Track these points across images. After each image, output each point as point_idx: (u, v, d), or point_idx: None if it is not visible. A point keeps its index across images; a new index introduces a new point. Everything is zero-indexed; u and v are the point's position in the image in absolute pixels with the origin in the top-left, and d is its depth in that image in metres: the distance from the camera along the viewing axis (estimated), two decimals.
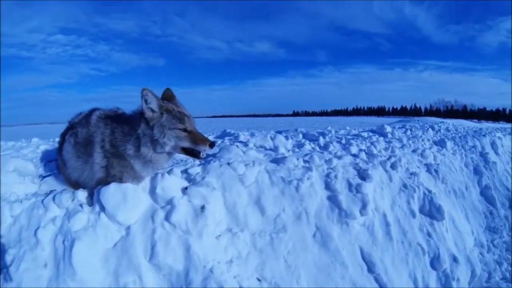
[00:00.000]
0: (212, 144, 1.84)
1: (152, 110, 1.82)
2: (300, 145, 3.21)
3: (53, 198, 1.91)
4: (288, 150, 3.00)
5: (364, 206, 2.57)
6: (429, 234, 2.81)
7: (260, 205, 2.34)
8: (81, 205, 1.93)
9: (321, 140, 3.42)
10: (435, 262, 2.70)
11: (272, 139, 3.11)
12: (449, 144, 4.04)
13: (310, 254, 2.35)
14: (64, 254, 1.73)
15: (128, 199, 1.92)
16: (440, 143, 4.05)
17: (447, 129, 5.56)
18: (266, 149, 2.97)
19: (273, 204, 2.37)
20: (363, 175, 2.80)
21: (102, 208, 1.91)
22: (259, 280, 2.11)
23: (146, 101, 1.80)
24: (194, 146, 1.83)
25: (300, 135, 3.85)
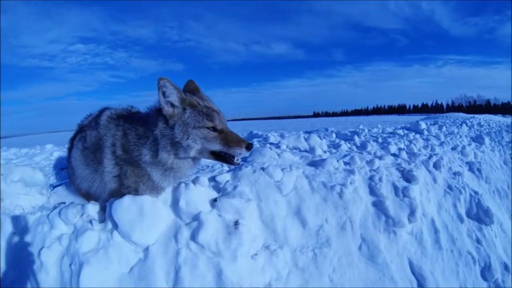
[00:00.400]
0: (249, 146, 1.46)
1: (172, 105, 1.44)
2: (336, 146, 2.85)
3: (59, 213, 1.60)
4: (325, 151, 2.65)
5: (412, 212, 2.26)
6: (478, 241, 2.53)
7: (300, 216, 1.99)
8: (90, 222, 1.61)
9: (357, 140, 3.08)
10: (486, 272, 2.43)
11: (306, 139, 2.75)
12: (487, 140, 3.75)
13: (356, 270, 2.04)
14: (71, 280, 1.43)
15: (146, 215, 1.58)
16: (478, 139, 3.75)
17: (480, 124, 5.27)
18: (301, 150, 2.61)
19: (315, 214, 2.03)
20: (407, 177, 2.47)
21: (115, 226, 1.59)
22: None
23: (163, 93, 1.41)
24: (227, 149, 1.45)
25: (334, 135, 3.49)
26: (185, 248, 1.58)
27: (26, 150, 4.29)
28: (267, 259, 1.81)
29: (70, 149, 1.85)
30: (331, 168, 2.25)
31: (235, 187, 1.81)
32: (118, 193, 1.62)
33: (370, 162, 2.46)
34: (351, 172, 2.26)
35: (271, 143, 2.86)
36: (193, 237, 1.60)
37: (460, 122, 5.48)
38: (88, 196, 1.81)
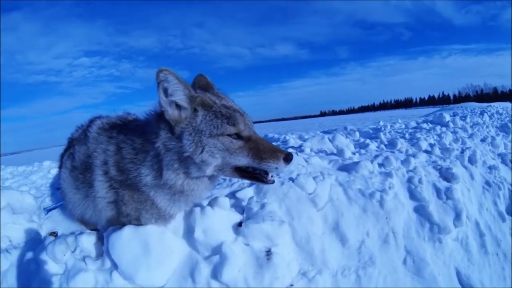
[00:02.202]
0: (288, 157, 1.08)
1: (178, 106, 1.06)
2: (363, 145, 2.54)
3: (46, 250, 1.28)
4: (353, 153, 2.32)
5: (457, 216, 1.99)
6: None
7: (339, 232, 1.68)
8: (84, 260, 1.29)
9: (383, 137, 2.77)
10: None
11: (330, 140, 2.40)
12: None
13: (403, 287, 1.77)
14: None
15: (152, 250, 1.24)
16: (504, 129, 3.53)
17: (499, 113, 5.08)
18: (327, 153, 2.27)
19: (355, 229, 1.72)
20: (446, 176, 2.19)
21: (115, 265, 1.26)
22: None
23: (165, 90, 1.02)
24: (258, 164, 1.07)
25: (357, 133, 3.17)
26: None
27: (23, 168, 4.12)
28: None
29: (60, 167, 1.49)
30: (365, 172, 1.93)
31: (262, 206, 1.46)
32: (117, 222, 1.28)
33: (405, 162, 2.16)
34: (388, 175, 1.96)
35: (293, 147, 2.52)
36: (215, 274, 1.26)
37: (479, 112, 5.28)
38: (84, 223, 1.50)
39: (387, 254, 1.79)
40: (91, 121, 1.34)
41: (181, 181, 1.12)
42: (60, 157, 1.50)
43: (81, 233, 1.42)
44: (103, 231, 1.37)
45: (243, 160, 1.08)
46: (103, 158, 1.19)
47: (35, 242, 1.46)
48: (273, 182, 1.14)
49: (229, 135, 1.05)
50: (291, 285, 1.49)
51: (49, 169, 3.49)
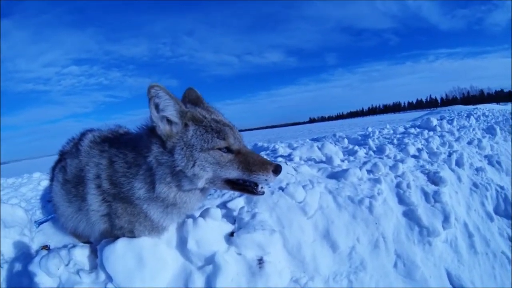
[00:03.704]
0: (277, 169, 1.13)
1: (169, 121, 1.11)
2: (352, 152, 2.60)
3: (39, 264, 1.28)
4: (342, 160, 2.39)
5: (446, 218, 2.05)
6: (510, 238, 2.38)
7: (330, 239, 1.73)
8: (78, 273, 1.31)
9: (371, 144, 2.84)
10: None
11: (319, 148, 2.46)
12: (498, 130, 3.63)
13: None
14: None
15: (146, 263, 1.28)
16: (490, 131, 3.62)
17: (485, 115, 5.19)
18: (316, 161, 2.33)
19: (346, 235, 1.77)
20: (434, 179, 2.26)
21: (109, 278, 1.28)
22: None
23: (156, 106, 1.07)
24: (248, 176, 1.11)
25: (345, 140, 3.23)
26: None
27: (12, 180, 4.07)
28: None
29: (51, 180, 1.51)
30: (354, 179, 1.99)
31: (253, 216, 1.52)
32: (110, 235, 1.31)
33: (393, 168, 2.23)
34: (377, 181, 2.02)
35: (282, 156, 2.58)
36: (209, 284, 1.30)
37: (466, 115, 5.40)
38: (77, 236, 1.52)
39: (378, 259, 1.84)
40: (83, 135, 1.38)
41: (173, 194, 1.16)
42: (51, 170, 1.53)
43: (74, 246, 1.44)
44: (96, 244, 1.39)
45: (233, 173, 1.12)
46: (96, 171, 1.22)
47: (27, 257, 1.47)
48: (263, 193, 1.19)
49: (220, 149, 1.10)
50: None
51: (39, 181, 3.46)
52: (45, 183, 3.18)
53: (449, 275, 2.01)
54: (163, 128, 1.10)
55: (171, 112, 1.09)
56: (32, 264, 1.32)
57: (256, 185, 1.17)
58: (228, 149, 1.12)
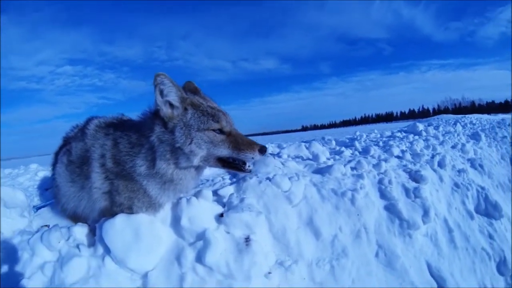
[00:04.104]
0: (263, 149, 1.32)
1: (171, 105, 1.30)
2: (338, 152, 2.78)
3: (41, 238, 1.40)
4: (328, 158, 2.56)
5: (426, 213, 2.18)
6: (490, 236, 2.49)
7: (313, 227, 1.87)
8: (78, 247, 1.43)
9: (358, 145, 3.03)
10: (501, 266, 2.38)
11: (307, 147, 2.64)
12: (483, 136, 3.80)
13: (376, 278, 1.92)
14: None
15: (142, 237, 1.42)
16: (475, 137, 3.79)
17: (472, 123, 5.38)
18: (303, 159, 2.51)
19: (328, 224, 1.92)
20: (415, 177, 2.41)
21: (107, 251, 1.41)
22: None
23: (161, 92, 1.27)
24: (237, 154, 1.30)
25: (333, 142, 3.42)
26: (191, 271, 1.41)
27: (9, 170, 4.06)
28: (282, 276, 1.67)
29: (54, 165, 1.66)
30: (338, 174, 2.15)
31: (242, 200, 1.68)
32: (110, 212, 1.44)
33: (376, 166, 2.38)
34: (360, 176, 2.18)
35: (271, 154, 2.75)
36: (199, 258, 1.44)
37: (453, 122, 5.59)
38: (76, 218, 1.62)
39: (359, 248, 1.97)
40: (89, 120, 1.55)
41: (171, 171, 1.33)
42: (54, 155, 1.68)
43: (73, 225, 1.54)
44: (93, 225, 1.50)
45: (224, 151, 1.31)
46: (101, 151, 1.39)
47: (27, 234, 1.54)
48: (250, 171, 1.37)
49: (213, 130, 1.29)
50: (269, 272, 1.67)
51: (36, 171, 3.46)
52: (42, 173, 3.21)
53: (429, 267, 2.12)
54: (166, 111, 1.29)
55: (173, 97, 1.29)
56: (33, 238, 1.42)
57: (244, 163, 1.34)
58: (221, 131, 1.31)
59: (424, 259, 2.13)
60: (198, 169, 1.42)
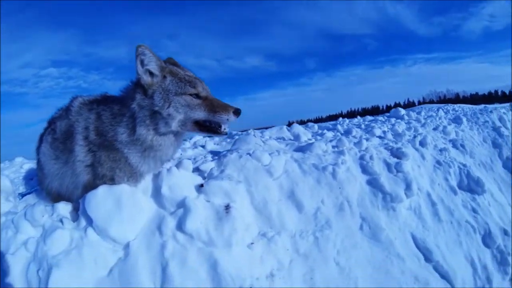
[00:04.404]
0: (237, 111, 1.38)
1: (151, 74, 1.36)
2: (320, 134, 2.84)
3: (25, 215, 1.42)
4: (310, 139, 2.60)
5: (408, 186, 2.22)
6: (474, 210, 2.52)
7: (295, 199, 1.89)
8: (61, 221, 1.44)
9: (340, 128, 3.09)
10: (487, 239, 2.40)
11: (289, 130, 2.69)
12: (465, 120, 3.92)
13: (361, 250, 1.93)
14: None
15: (124, 206, 1.43)
16: (456, 120, 3.91)
17: (455, 110, 5.55)
18: (285, 139, 2.55)
19: (310, 197, 1.94)
20: (397, 154, 2.46)
21: (90, 222, 1.42)
22: None
23: (142, 62, 1.33)
24: (213, 117, 1.36)
25: (316, 126, 3.49)
26: (172, 240, 1.41)
27: None
28: (265, 247, 1.67)
29: (38, 148, 1.67)
30: (319, 151, 2.20)
31: (222, 171, 1.70)
32: (92, 187, 1.46)
33: (358, 144, 2.44)
34: (341, 153, 2.22)
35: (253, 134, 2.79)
36: (180, 226, 1.45)
37: (436, 109, 5.75)
38: (59, 198, 1.63)
39: (343, 220, 1.98)
40: (73, 99, 1.59)
41: (150, 137, 1.38)
42: (39, 137, 1.71)
43: (57, 203, 1.55)
44: (77, 204, 1.51)
45: (201, 114, 1.37)
46: (84, 124, 1.42)
47: (12, 214, 1.55)
48: (226, 133, 1.42)
49: (190, 95, 1.36)
50: (252, 243, 1.67)
51: (21, 164, 3.50)
52: (27, 165, 3.25)
53: (414, 239, 2.13)
54: (146, 79, 1.35)
55: (153, 66, 1.35)
56: (17, 216, 1.45)
57: (220, 126, 1.40)
58: (197, 96, 1.38)
59: (409, 232, 2.15)
60: (177, 135, 1.46)
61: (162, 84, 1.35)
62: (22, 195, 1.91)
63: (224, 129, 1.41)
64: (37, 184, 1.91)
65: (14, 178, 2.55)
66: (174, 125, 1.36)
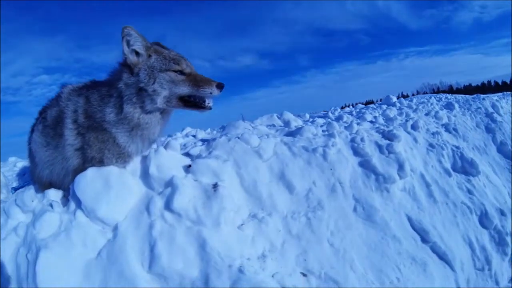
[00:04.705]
0: (220, 85, 1.39)
1: (137, 53, 1.38)
2: (311, 121, 2.81)
3: (15, 200, 1.43)
4: (301, 125, 2.57)
5: (401, 167, 2.20)
6: (469, 191, 2.49)
7: (285, 180, 1.86)
8: (51, 205, 1.43)
9: (331, 115, 3.09)
10: (484, 219, 2.37)
11: (279, 117, 2.68)
12: (457, 106, 3.94)
13: (356, 231, 1.89)
14: (27, 273, 1.21)
15: (112, 186, 1.41)
16: (448, 106, 3.92)
17: (447, 98, 5.58)
18: (275, 126, 2.53)
19: (301, 178, 1.91)
20: (388, 136, 2.45)
21: (79, 204, 1.39)
22: (304, 275, 1.59)
23: (128, 42, 1.36)
24: (196, 91, 1.37)
25: (307, 115, 3.48)
26: (159, 219, 1.38)
27: None
28: (257, 228, 1.63)
29: (30, 138, 1.67)
30: (309, 135, 2.18)
31: (210, 152, 1.67)
32: (83, 171, 1.44)
33: (348, 127, 2.43)
34: (331, 135, 2.20)
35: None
36: (168, 205, 1.42)
37: (428, 97, 5.79)
38: (50, 186, 1.61)
39: (336, 201, 1.94)
40: (63, 86, 1.59)
41: (137, 115, 1.37)
42: (31, 127, 1.71)
43: (48, 189, 1.54)
44: (67, 191, 1.51)
45: (185, 89, 1.37)
46: (73, 108, 1.42)
47: (4, 203, 1.55)
48: (210, 108, 1.42)
49: (174, 71, 1.37)
50: (242, 224, 1.62)
51: (15, 163, 3.52)
52: (20, 164, 3.28)
53: (410, 220, 2.10)
54: (132, 58, 1.36)
55: (138, 46, 1.37)
56: (8, 202, 1.45)
57: (204, 100, 1.40)
58: (181, 72, 1.38)
59: (404, 213, 2.11)
60: (163, 113, 1.46)
61: (147, 62, 1.37)
62: (15, 189, 1.93)
63: (208, 103, 1.41)
64: (29, 176, 1.90)
65: (8, 176, 2.54)
66: (160, 102, 1.36)
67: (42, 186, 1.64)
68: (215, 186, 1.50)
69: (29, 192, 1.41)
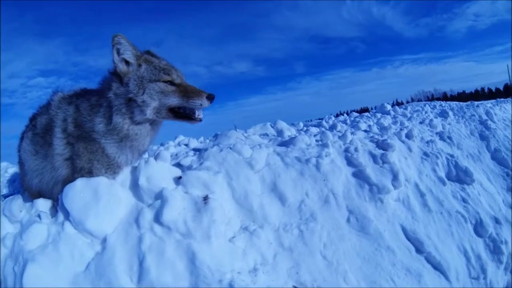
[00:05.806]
0: (211, 96, 1.37)
1: (127, 62, 1.36)
2: (305, 130, 2.82)
3: (3, 210, 1.40)
4: (294, 134, 2.58)
5: (395, 177, 2.19)
6: (464, 200, 2.49)
7: (277, 192, 1.85)
8: (39, 215, 1.41)
9: (325, 124, 3.09)
10: (478, 228, 2.35)
11: (272, 126, 2.69)
12: (451, 114, 3.97)
13: (349, 243, 1.87)
14: (14, 286, 1.19)
15: (101, 198, 1.39)
16: (443, 114, 3.94)
17: (441, 105, 5.62)
18: (268, 135, 2.53)
19: (293, 189, 1.90)
20: (382, 146, 2.45)
21: (67, 215, 1.37)
22: None
23: (118, 51, 1.34)
24: (186, 102, 1.35)
25: (301, 124, 3.50)
26: (149, 232, 1.36)
27: None
28: (248, 241, 1.61)
29: (20, 146, 1.64)
30: (302, 145, 2.17)
31: (201, 163, 1.67)
32: (72, 181, 1.42)
33: (342, 137, 2.43)
34: (325, 145, 2.20)
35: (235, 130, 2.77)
36: (157, 218, 1.40)
37: (423, 105, 5.83)
38: (40, 196, 1.59)
39: (329, 212, 1.93)
40: (54, 94, 1.57)
41: (127, 126, 1.36)
42: (21, 134, 1.68)
43: (37, 200, 1.50)
44: (56, 201, 1.47)
45: (175, 100, 1.35)
46: (63, 116, 1.41)
47: None
48: (200, 120, 1.41)
49: (164, 82, 1.36)
50: (233, 237, 1.61)
51: (6, 169, 3.50)
52: (12, 170, 3.25)
53: (404, 230, 2.09)
54: (121, 67, 1.35)
55: (128, 55, 1.36)
56: None
57: (194, 112, 1.38)
58: (172, 83, 1.37)
59: (398, 223, 2.10)
60: (153, 125, 1.45)
61: (137, 72, 1.36)
62: (5, 196, 1.87)
63: (199, 115, 1.39)
64: (19, 184, 1.88)
65: None
66: (149, 113, 1.34)
67: (32, 194, 1.61)
68: (205, 198, 1.49)
69: (17, 202, 1.39)
